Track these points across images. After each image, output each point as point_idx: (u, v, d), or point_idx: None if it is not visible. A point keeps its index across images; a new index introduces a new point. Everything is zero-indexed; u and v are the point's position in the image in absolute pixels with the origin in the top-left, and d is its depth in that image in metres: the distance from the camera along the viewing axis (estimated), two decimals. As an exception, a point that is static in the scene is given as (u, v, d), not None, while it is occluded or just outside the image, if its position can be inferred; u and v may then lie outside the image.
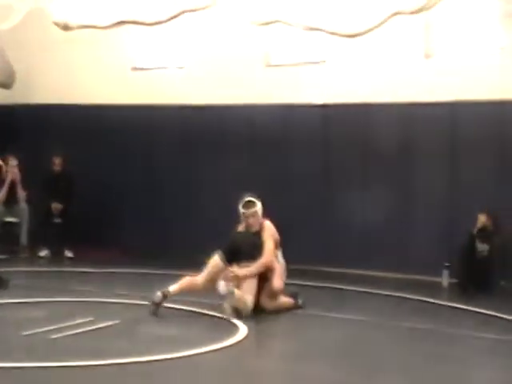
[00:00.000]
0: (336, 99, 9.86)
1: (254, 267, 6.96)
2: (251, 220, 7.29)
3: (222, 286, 6.77)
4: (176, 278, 8.90)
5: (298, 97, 10.10)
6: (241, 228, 7.43)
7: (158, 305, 6.83)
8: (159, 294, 6.86)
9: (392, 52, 9.67)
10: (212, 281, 6.99)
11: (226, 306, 6.74)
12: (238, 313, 6.74)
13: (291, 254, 7.80)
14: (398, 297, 8.23)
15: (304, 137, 10.12)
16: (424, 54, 9.65)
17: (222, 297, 6.78)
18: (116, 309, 7.03)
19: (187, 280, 7.09)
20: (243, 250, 7.06)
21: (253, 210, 7.29)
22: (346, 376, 5.30)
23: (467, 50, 9.50)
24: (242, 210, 7.33)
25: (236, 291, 6.74)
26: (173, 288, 6.95)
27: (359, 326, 6.86)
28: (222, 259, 7.02)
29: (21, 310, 6.89)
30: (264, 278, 7.09)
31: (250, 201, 7.33)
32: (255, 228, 7.29)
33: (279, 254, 7.47)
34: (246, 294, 6.83)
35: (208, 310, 6.99)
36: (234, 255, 7.04)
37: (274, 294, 7.14)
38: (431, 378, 5.33)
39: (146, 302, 6.99)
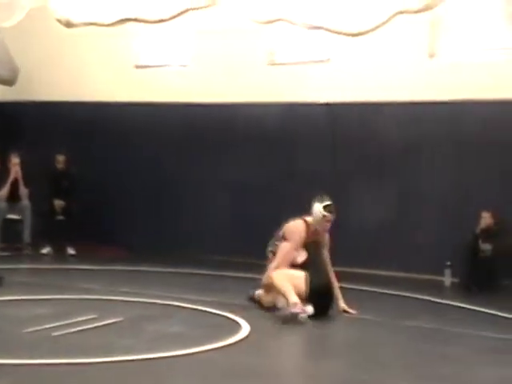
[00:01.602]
0: (340, 98, 9.86)
1: None
2: (329, 225, 7.09)
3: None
4: (178, 275, 8.98)
5: (301, 95, 10.09)
6: (303, 224, 7.06)
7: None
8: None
9: (396, 51, 9.66)
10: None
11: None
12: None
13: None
14: (401, 296, 8.22)
15: (308, 135, 10.11)
16: (428, 53, 9.64)
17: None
18: (119, 306, 7.01)
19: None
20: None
21: (335, 217, 7.08)
22: (350, 374, 5.28)
23: (471, 50, 9.48)
24: (324, 213, 7.00)
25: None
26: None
27: (363, 325, 6.84)
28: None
29: (23, 307, 6.86)
30: None
31: (333, 205, 7.06)
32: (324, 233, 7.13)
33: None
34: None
35: (212, 308, 6.98)
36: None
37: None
38: (434, 377, 5.31)
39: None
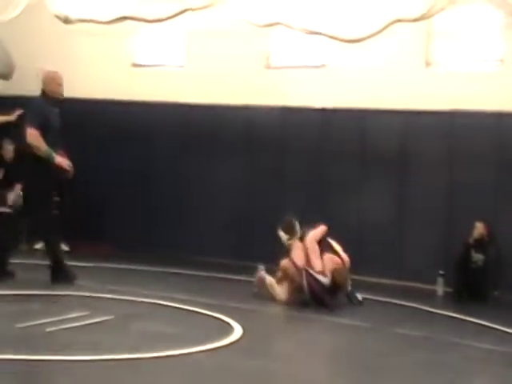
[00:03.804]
0: (335, 104, 9.89)
1: None
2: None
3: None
4: (172, 275, 8.98)
5: (296, 100, 10.11)
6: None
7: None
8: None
9: (392, 59, 9.69)
10: None
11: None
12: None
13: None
14: (393, 303, 8.25)
15: (302, 140, 10.13)
16: (424, 62, 9.70)
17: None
18: (111, 304, 7.01)
19: None
20: None
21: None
22: (338, 381, 5.31)
23: (467, 60, 9.55)
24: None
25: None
26: None
27: (353, 331, 6.88)
28: None
29: (16, 302, 6.85)
30: None
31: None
32: None
33: None
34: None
35: (204, 309, 6.99)
36: None
37: None
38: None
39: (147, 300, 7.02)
